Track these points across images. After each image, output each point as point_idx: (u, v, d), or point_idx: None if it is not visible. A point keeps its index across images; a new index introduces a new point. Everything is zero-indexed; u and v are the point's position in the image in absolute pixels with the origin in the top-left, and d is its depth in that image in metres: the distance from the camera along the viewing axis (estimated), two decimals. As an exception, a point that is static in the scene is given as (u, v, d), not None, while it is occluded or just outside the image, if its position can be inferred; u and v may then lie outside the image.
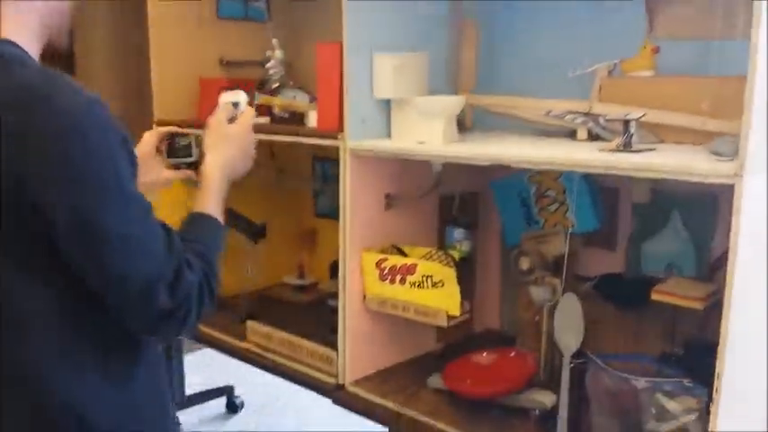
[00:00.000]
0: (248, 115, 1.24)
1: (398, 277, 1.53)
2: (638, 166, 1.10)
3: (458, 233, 1.64)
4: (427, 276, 1.48)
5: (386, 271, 1.55)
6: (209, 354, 3.47)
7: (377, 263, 1.56)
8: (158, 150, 1.32)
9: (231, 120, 1.23)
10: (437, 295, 1.47)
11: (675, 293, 1.22)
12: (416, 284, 1.50)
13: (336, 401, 1.60)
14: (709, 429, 1.01)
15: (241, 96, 1.25)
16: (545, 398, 1.36)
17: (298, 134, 1.65)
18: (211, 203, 1.10)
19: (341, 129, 1.51)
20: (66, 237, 0.86)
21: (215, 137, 1.19)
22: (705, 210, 1.50)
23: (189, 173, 1.33)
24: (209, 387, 3.14)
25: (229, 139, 1.19)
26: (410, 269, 1.51)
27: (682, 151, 1.25)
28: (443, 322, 1.48)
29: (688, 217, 1.54)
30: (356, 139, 1.50)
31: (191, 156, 1.31)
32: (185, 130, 1.33)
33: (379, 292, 1.56)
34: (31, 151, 0.84)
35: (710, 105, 1.33)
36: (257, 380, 3.29)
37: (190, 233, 1.03)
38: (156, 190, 1.34)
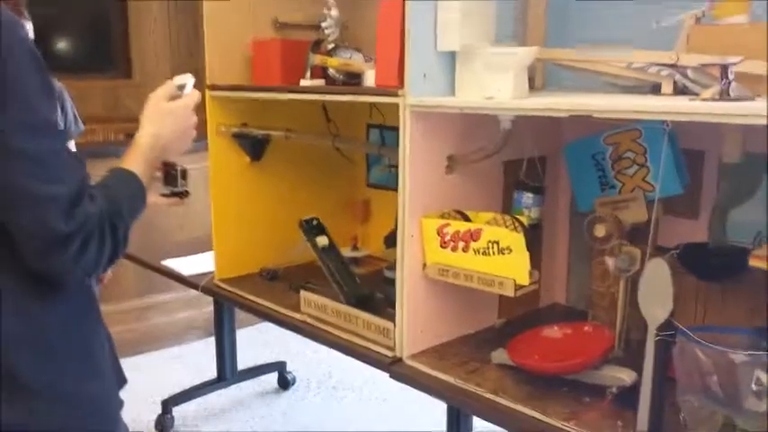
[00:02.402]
0: (191, 96, 1.23)
1: (461, 244, 1.43)
2: (745, 111, 0.97)
3: (526, 198, 1.53)
4: (494, 242, 1.38)
5: (448, 237, 1.45)
6: (264, 328, 3.48)
7: (438, 229, 1.46)
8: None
9: (172, 99, 1.22)
10: (504, 263, 1.37)
11: (778, 259, 1.09)
12: (481, 251, 1.40)
13: (393, 375, 1.52)
14: (825, 409, 0.89)
15: (189, 80, 1.25)
16: (624, 374, 1.24)
17: (355, 93, 1.55)
18: (135, 165, 1.11)
19: (401, 84, 1.41)
20: None
21: (150, 111, 1.18)
22: (803, 173, 1.35)
23: (175, 200, 1.40)
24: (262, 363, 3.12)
25: (165, 116, 1.18)
26: (474, 235, 1.41)
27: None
28: (510, 291, 1.37)
29: (781, 183, 1.40)
30: (417, 96, 1.40)
31: (176, 185, 1.39)
32: (174, 162, 1.37)
33: (441, 260, 1.47)
34: None
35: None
36: (311, 356, 3.27)
37: (105, 179, 1.06)
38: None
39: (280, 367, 3.06)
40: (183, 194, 1.42)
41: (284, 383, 3.03)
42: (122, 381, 1.22)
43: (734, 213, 1.46)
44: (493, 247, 1.38)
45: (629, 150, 1.47)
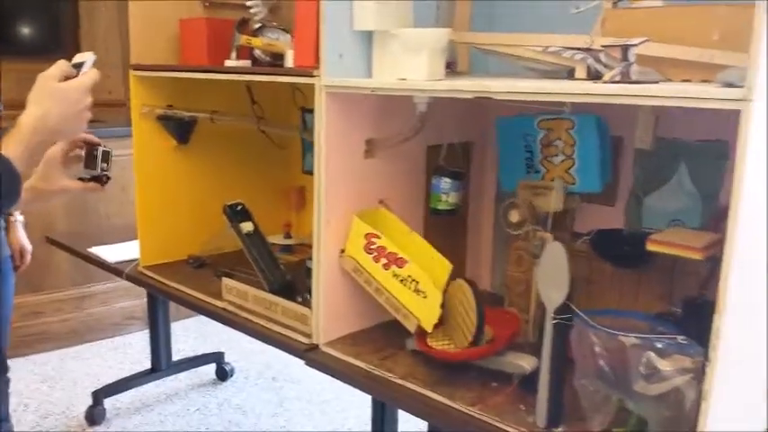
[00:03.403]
0: (87, 77, 1.15)
1: (384, 261, 1.41)
2: (632, 92, 0.96)
3: (444, 183, 1.51)
4: (414, 280, 1.37)
5: (374, 246, 1.43)
6: (207, 319, 3.42)
7: (367, 234, 1.44)
8: (65, 159, 1.29)
9: (66, 79, 1.14)
10: (417, 301, 1.36)
11: (672, 243, 1.08)
12: (400, 278, 1.39)
13: (309, 363, 1.49)
14: (704, 389, 0.89)
15: (88, 58, 1.17)
16: (525, 361, 1.24)
17: (273, 73, 1.52)
18: (12, 150, 1.04)
19: (317, 65, 1.38)
20: None
21: (37, 92, 1.11)
22: (714, 160, 1.36)
23: (92, 186, 1.31)
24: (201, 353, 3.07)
25: (53, 96, 1.10)
26: (399, 262, 1.39)
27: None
28: (412, 328, 1.38)
29: (695, 169, 1.40)
30: (332, 76, 1.37)
31: (95, 169, 1.30)
32: (97, 140, 1.30)
33: (360, 260, 1.45)
34: None
35: (722, 37, 1.19)
36: (252, 347, 3.22)
37: None
38: (51, 198, 1.34)
39: (217, 358, 3.01)
40: (103, 180, 1.32)
41: (222, 375, 2.98)
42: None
43: (649, 200, 1.47)
44: (411, 283, 1.37)
45: (559, 139, 1.46)
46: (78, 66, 1.17)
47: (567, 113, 1.42)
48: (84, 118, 1.16)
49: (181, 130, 1.98)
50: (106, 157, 1.30)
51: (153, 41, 1.92)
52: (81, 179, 1.33)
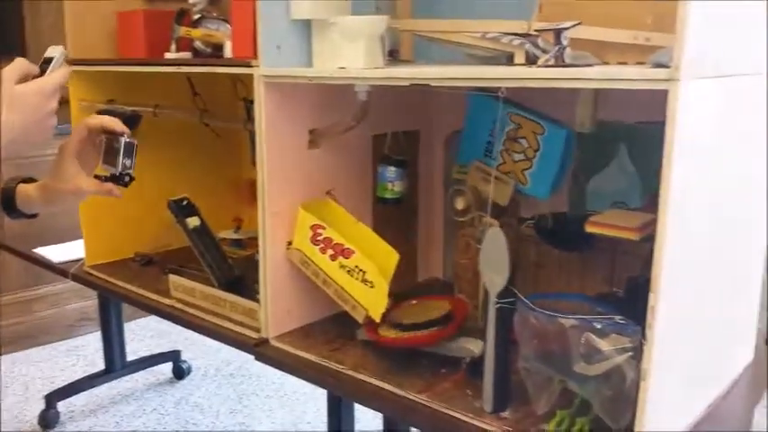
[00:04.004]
0: (52, 77, 0.99)
1: (331, 252, 1.40)
2: (562, 75, 0.96)
3: (389, 172, 1.50)
4: (361, 270, 1.35)
5: (320, 238, 1.41)
6: (159, 318, 3.37)
7: (312, 226, 1.42)
8: (82, 151, 1.10)
9: (33, 77, 0.98)
10: (364, 292, 1.35)
11: (609, 224, 1.09)
12: (347, 269, 1.38)
13: (258, 357, 1.47)
14: (642, 368, 0.90)
15: (57, 53, 1.01)
16: (473, 345, 1.24)
17: (211, 64, 1.49)
18: None
19: (255, 55, 1.36)
20: None
21: None
22: (653, 141, 1.37)
23: (108, 187, 1.10)
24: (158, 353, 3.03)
25: (12, 103, 0.94)
26: (346, 253, 1.38)
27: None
28: (360, 319, 1.37)
29: (635, 150, 1.42)
30: (271, 66, 1.35)
31: (116, 166, 1.07)
32: (121, 128, 1.08)
33: (307, 252, 1.43)
34: None
35: (656, 20, 1.20)
36: (210, 344, 3.18)
37: None
38: (65, 199, 1.14)
39: (174, 357, 2.96)
40: (124, 180, 1.08)
41: (179, 373, 2.94)
42: None
43: (592, 182, 1.48)
44: (359, 273, 1.36)
45: (525, 138, 1.44)
46: (47, 62, 1.00)
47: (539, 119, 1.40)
48: (49, 125, 0.98)
49: (125, 124, 1.93)
50: (130, 150, 1.07)
51: (92, 36, 1.87)
52: (97, 177, 1.12)
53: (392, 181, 1.51)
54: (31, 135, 0.96)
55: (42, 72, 0.99)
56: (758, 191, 1.23)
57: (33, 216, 1.21)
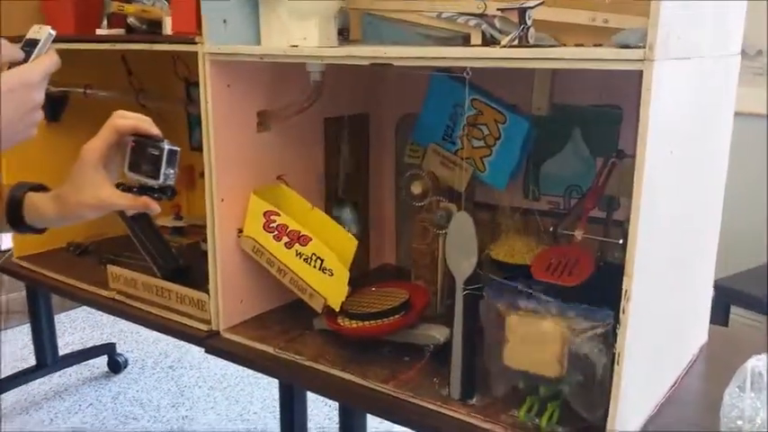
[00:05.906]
0: (37, 65, 0.83)
1: (286, 239, 1.34)
2: (533, 55, 0.93)
3: (346, 214, 1.53)
4: (319, 258, 1.30)
5: (274, 225, 1.35)
6: (91, 310, 3.23)
7: (266, 212, 1.36)
8: (108, 157, 0.95)
9: (13, 65, 0.83)
10: (322, 280, 1.30)
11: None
12: (303, 257, 1.32)
13: (210, 350, 1.41)
14: (617, 353, 0.89)
15: (44, 35, 0.84)
16: (438, 332, 1.21)
17: (150, 41, 1.40)
18: None
19: (199, 31, 1.28)
20: None
21: None
22: (607, 124, 1.38)
23: (145, 201, 0.95)
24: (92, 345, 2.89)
25: None
26: (302, 240, 1.32)
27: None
28: (318, 308, 1.32)
29: (589, 134, 1.42)
30: (217, 43, 1.27)
31: (156, 177, 0.92)
32: (156, 132, 0.94)
33: (260, 240, 1.37)
34: None
35: (614, 1, 1.19)
36: (146, 335, 3.07)
37: None
38: (83, 214, 0.98)
39: (109, 350, 2.83)
40: (165, 192, 0.94)
41: (115, 367, 2.81)
42: None
43: (546, 166, 1.48)
44: (316, 261, 1.30)
45: (485, 125, 1.41)
46: (31, 45, 0.83)
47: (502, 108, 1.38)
48: (33, 121, 0.84)
49: (51, 106, 1.81)
50: (172, 159, 0.92)
51: (15, 9, 1.73)
52: (121, 186, 0.96)
53: (348, 224, 1.49)
54: (14, 133, 0.82)
55: (27, 57, 0.83)
56: (719, 173, 1.25)
57: (42, 231, 1.05)
